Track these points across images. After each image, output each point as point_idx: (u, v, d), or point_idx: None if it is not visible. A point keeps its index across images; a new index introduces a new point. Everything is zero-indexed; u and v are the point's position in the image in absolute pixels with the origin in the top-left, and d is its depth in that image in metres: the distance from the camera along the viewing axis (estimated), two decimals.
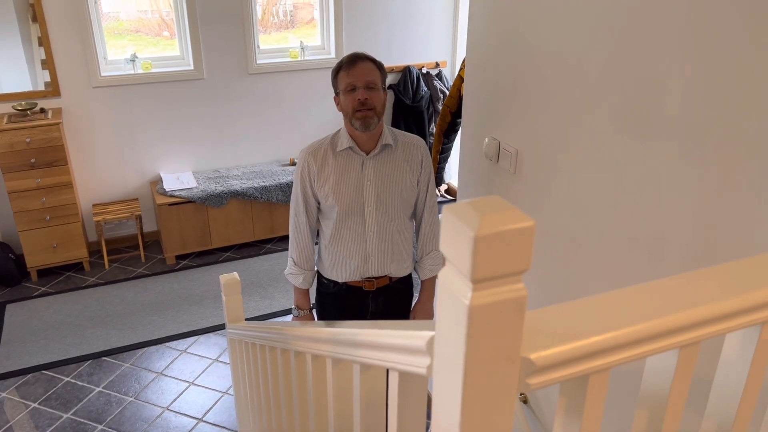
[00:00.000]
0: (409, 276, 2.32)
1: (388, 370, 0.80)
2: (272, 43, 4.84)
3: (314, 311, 2.41)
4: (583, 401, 0.64)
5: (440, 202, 5.36)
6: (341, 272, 2.20)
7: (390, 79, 5.09)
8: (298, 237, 2.22)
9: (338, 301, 2.28)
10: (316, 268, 2.32)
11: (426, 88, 5.12)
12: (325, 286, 2.29)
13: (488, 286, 0.51)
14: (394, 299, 2.28)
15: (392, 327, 0.73)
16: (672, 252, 1.48)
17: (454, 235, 0.51)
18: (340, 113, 2.08)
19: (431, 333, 0.62)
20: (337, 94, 2.06)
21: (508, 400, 0.56)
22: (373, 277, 2.20)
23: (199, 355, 3.51)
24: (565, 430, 0.67)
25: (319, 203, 2.17)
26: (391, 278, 2.23)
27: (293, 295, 2.35)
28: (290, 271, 2.27)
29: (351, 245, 2.15)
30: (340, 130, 2.13)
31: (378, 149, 2.08)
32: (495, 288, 0.51)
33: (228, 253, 4.63)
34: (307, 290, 2.33)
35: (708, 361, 1.18)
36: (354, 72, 1.99)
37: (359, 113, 1.99)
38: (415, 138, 2.18)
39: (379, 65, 2.05)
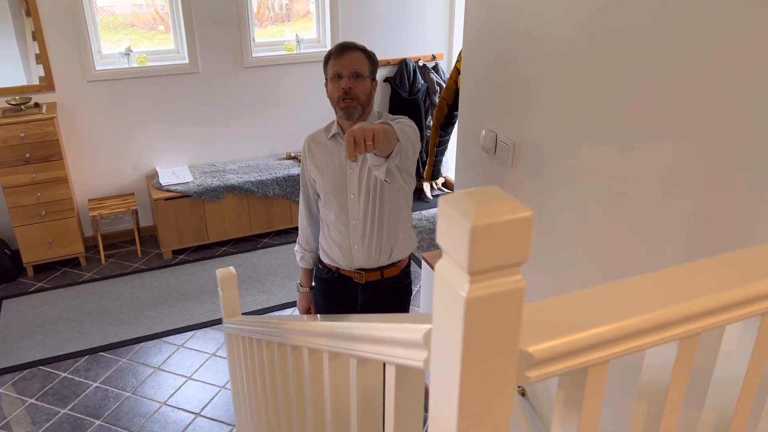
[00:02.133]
0: (405, 275, 2.31)
1: (385, 364, 0.80)
2: (268, 37, 4.81)
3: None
4: (582, 394, 0.63)
5: (437, 196, 5.35)
6: (332, 258, 2.25)
7: (386, 72, 5.07)
8: (301, 217, 2.36)
9: (330, 288, 2.32)
10: (318, 252, 2.38)
11: (423, 81, 5.10)
12: (319, 270, 2.36)
13: (486, 278, 0.50)
14: (386, 296, 2.27)
15: (388, 320, 0.72)
16: (671, 244, 1.47)
17: (451, 226, 0.50)
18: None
19: (428, 326, 0.61)
20: (327, 81, 2.10)
21: (507, 394, 0.55)
22: (363, 269, 2.20)
23: (196, 350, 3.51)
24: (564, 423, 0.66)
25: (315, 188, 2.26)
26: (383, 274, 2.23)
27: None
28: (295, 248, 2.44)
29: (337, 232, 2.19)
30: (335, 119, 2.18)
31: None
32: (492, 280, 0.50)
33: (225, 248, 4.62)
34: (310, 270, 2.45)
35: (708, 352, 1.17)
36: (342, 61, 2.03)
37: (343, 102, 2.03)
38: (399, 116, 2.17)
39: (369, 55, 2.07)
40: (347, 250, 2.19)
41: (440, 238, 0.52)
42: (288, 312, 3.85)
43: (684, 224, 1.43)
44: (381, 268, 2.22)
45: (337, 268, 2.26)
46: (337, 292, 2.30)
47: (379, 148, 1.70)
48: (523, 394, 2.17)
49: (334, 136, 2.14)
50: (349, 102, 2.02)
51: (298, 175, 4.51)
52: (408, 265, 2.32)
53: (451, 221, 0.50)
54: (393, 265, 2.24)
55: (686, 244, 1.43)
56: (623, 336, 0.60)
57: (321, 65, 5.26)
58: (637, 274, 0.68)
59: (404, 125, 1.99)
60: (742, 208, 1.29)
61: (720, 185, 1.32)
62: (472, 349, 0.52)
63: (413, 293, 4.01)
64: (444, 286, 0.53)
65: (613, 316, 0.60)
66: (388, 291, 2.27)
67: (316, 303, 2.43)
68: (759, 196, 1.25)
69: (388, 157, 1.87)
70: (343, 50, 2.04)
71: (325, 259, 2.29)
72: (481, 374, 0.53)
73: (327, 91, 2.11)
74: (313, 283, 2.45)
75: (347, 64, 2.01)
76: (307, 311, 2.50)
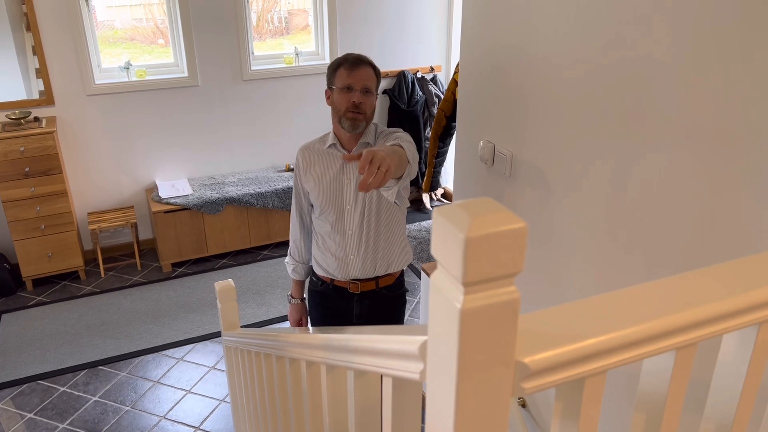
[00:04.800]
0: (400, 284, 2.31)
1: (382, 376, 0.79)
2: (267, 50, 4.84)
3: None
4: (579, 405, 0.63)
5: (436, 206, 5.35)
6: (327, 269, 2.24)
7: (385, 84, 5.09)
8: (293, 229, 2.34)
9: (324, 300, 2.31)
10: (310, 263, 2.37)
11: (421, 93, 5.12)
12: (313, 283, 2.35)
13: (480, 289, 0.50)
14: (381, 305, 2.27)
15: (384, 332, 0.72)
16: (668, 254, 1.47)
17: (445, 238, 0.50)
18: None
19: (424, 337, 0.61)
20: (330, 88, 2.10)
21: (503, 405, 0.55)
22: (358, 279, 2.20)
23: (195, 363, 3.49)
24: None
25: (309, 199, 2.24)
26: (378, 284, 2.23)
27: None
28: (286, 260, 2.42)
29: (333, 243, 2.18)
30: (331, 129, 2.17)
31: (358, 149, 2.10)
32: (487, 291, 0.50)
33: (224, 260, 4.62)
34: (301, 281, 2.43)
35: (706, 362, 1.17)
36: (355, 74, 2.03)
37: (351, 114, 2.03)
38: (394, 129, 2.18)
39: (377, 72, 2.10)
40: (343, 260, 2.18)
41: (435, 250, 0.52)
42: (287, 324, 3.84)
43: (681, 234, 1.43)
44: (376, 278, 2.22)
45: (332, 280, 2.25)
46: (332, 304, 2.29)
47: (392, 174, 1.65)
48: (523, 405, 2.16)
49: (331, 146, 2.13)
50: (357, 115, 2.03)
51: None
52: (402, 274, 2.32)
53: (445, 232, 0.50)
54: (388, 274, 2.24)
55: (683, 253, 1.43)
56: (619, 346, 0.60)
57: (320, 77, 5.26)
58: (635, 284, 0.68)
59: (407, 143, 2.00)
60: (738, 218, 1.29)
61: (717, 195, 1.33)
62: (468, 361, 0.52)
63: (414, 304, 4.01)
64: (439, 297, 0.53)
65: (609, 326, 0.60)
66: (383, 300, 2.27)
67: (311, 316, 2.42)
68: (756, 206, 1.25)
69: (399, 179, 1.88)
70: (357, 64, 2.03)
71: (318, 271, 2.28)
72: (476, 386, 0.53)
73: (330, 99, 2.10)
74: (305, 296, 2.44)
75: (360, 79, 2.02)
76: (299, 323, 2.49)
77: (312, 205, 2.24)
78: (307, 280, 2.42)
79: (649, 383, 0.73)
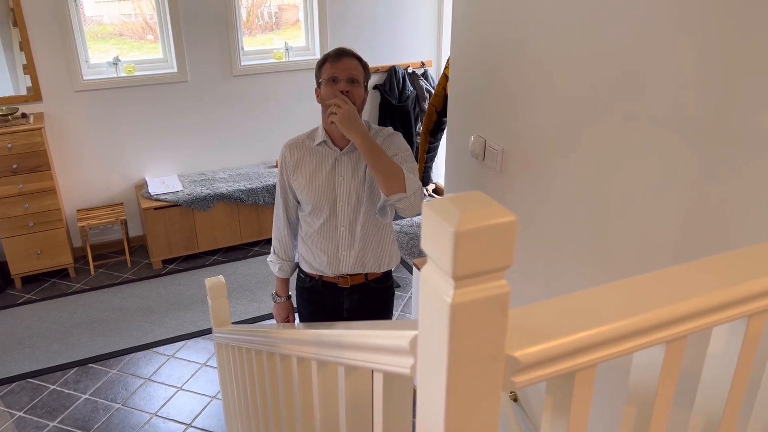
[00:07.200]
0: (388, 276, 2.30)
1: (373, 371, 0.79)
2: (257, 45, 4.81)
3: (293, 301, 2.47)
4: (570, 398, 0.63)
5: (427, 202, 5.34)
6: (315, 266, 2.22)
7: (376, 79, 5.08)
8: (277, 227, 2.30)
9: (314, 296, 2.30)
10: (296, 260, 2.35)
11: (412, 88, 5.12)
12: (301, 280, 2.32)
13: (470, 283, 0.50)
14: (370, 298, 2.27)
15: (375, 327, 0.72)
16: (658, 248, 1.48)
17: (435, 232, 0.50)
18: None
19: (414, 332, 0.60)
20: (318, 85, 2.09)
21: (493, 399, 0.55)
22: (348, 274, 2.20)
23: (187, 360, 3.48)
24: (552, 428, 0.66)
25: (296, 196, 2.22)
26: (367, 277, 2.22)
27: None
28: (270, 259, 2.37)
29: (323, 239, 2.17)
30: (319, 126, 2.15)
31: (351, 146, 2.08)
32: (477, 285, 0.50)
33: (215, 257, 4.60)
34: (286, 279, 2.40)
35: (696, 355, 1.18)
36: (338, 65, 2.02)
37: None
38: (387, 130, 2.17)
39: (363, 64, 2.07)
40: (334, 256, 2.17)
41: (424, 244, 0.52)
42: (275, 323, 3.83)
43: (670, 228, 1.43)
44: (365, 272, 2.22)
45: (321, 276, 2.24)
46: (322, 300, 2.28)
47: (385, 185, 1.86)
48: (515, 399, 2.16)
49: (321, 143, 2.11)
50: None
51: None
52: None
53: (435, 226, 0.50)
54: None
55: (673, 247, 1.44)
56: (610, 340, 0.60)
57: (310, 73, 5.25)
58: (625, 278, 0.68)
59: (409, 164, 2.01)
60: (726, 212, 1.29)
61: (706, 190, 1.33)
62: (458, 355, 0.52)
63: (405, 299, 4.01)
64: (429, 291, 0.52)
65: (599, 319, 0.60)
66: (373, 293, 2.27)
67: (300, 312, 2.40)
68: (743, 200, 1.25)
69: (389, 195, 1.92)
70: (340, 55, 2.03)
71: (306, 268, 2.25)
72: (467, 380, 0.53)
73: (318, 96, 2.09)
74: (291, 293, 2.42)
75: (344, 69, 2.01)
76: (286, 321, 2.47)
77: (299, 202, 2.22)
78: (293, 278, 2.41)
79: (639, 376, 0.73)
